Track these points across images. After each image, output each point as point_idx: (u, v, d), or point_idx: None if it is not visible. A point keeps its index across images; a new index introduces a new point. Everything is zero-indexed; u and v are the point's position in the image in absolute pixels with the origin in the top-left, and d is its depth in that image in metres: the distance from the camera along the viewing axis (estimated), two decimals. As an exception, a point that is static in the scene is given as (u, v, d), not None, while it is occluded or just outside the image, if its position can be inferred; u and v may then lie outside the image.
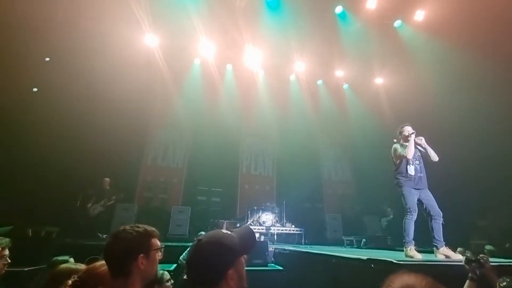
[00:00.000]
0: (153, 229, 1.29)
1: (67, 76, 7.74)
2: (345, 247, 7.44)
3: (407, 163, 3.53)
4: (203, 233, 4.74)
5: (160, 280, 2.15)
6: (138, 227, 1.23)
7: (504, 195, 6.38)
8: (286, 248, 5.13)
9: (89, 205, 6.41)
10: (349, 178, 11.35)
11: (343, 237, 8.18)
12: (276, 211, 8.56)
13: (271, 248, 5.29)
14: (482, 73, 6.44)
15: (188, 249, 2.50)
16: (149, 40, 8.08)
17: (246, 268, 0.98)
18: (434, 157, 3.61)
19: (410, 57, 8.07)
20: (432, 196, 3.50)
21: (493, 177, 6.45)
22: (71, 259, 2.24)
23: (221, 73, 9.53)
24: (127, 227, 1.22)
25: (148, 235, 1.24)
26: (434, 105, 7.55)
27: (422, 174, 3.57)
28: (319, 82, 10.51)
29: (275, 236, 8.04)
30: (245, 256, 0.98)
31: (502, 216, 6.78)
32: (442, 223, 3.33)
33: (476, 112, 6.69)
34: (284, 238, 8.27)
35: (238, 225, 8.53)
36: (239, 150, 10.81)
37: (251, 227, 7.78)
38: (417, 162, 3.61)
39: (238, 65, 9.48)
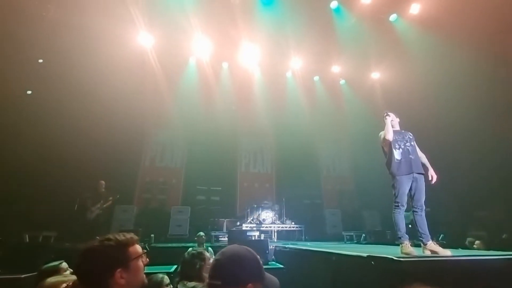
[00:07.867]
0: (129, 236, 1.17)
1: (60, 77, 7.63)
2: (345, 242, 7.46)
3: (393, 147, 3.30)
4: (202, 233, 4.66)
5: (159, 285, 2.07)
6: (109, 240, 1.10)
7: (495, 188, 6.46)
8: (286, 246, 5.12)
9: (87, 208, 6.36)
10: (348, 174, 11.36)
11: (343, 232, 8.20)
12: (276, 209, 8.56)
13: (271, 246, 5.28)
14: (474, 68, 6.43)
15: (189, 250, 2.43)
16: (144, 39, 7.96)
17: None
18: None
19: (405, 51, 8.04)
20: (423, 186, 3.17)
21: (485, 168, 6.50)
22: (63, 264, 2.15)
23: (216, 71, 9.43)
24: (96, 242, 1.11)
25: (122, 246, 1.11)
26: (426, 99, 7.59)
27: (413, 157, 3.23)
28: (316, 78, 10.46)
29: (276, 234, 8.05)
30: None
31: (498, 207, 6.86)
32: (422, 215, 3.10)
33: (465, 107, 6.74)
34: (284, 235, 8.28)
35: (238, 223, 8.51)
36: (237, 148, 10.78)
37: (251, 224, 7.73)
38: (408, 144, 3.34)
39: (234, 62, 9.39)
